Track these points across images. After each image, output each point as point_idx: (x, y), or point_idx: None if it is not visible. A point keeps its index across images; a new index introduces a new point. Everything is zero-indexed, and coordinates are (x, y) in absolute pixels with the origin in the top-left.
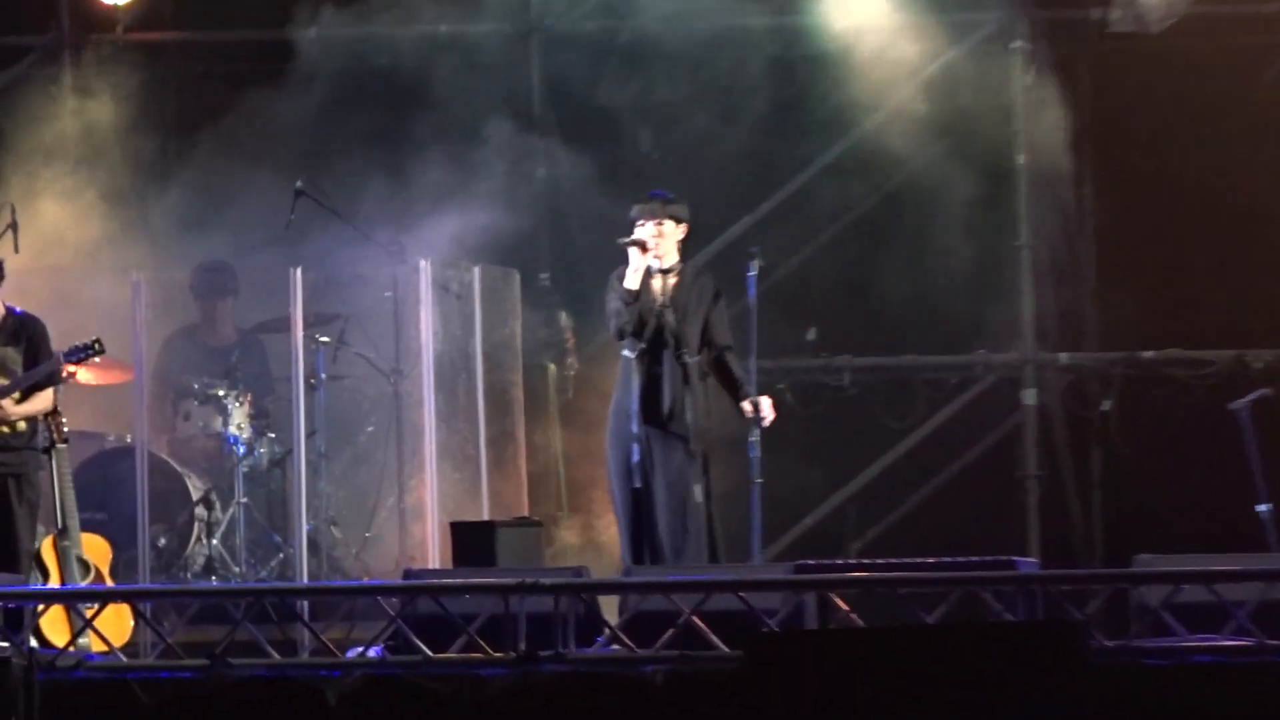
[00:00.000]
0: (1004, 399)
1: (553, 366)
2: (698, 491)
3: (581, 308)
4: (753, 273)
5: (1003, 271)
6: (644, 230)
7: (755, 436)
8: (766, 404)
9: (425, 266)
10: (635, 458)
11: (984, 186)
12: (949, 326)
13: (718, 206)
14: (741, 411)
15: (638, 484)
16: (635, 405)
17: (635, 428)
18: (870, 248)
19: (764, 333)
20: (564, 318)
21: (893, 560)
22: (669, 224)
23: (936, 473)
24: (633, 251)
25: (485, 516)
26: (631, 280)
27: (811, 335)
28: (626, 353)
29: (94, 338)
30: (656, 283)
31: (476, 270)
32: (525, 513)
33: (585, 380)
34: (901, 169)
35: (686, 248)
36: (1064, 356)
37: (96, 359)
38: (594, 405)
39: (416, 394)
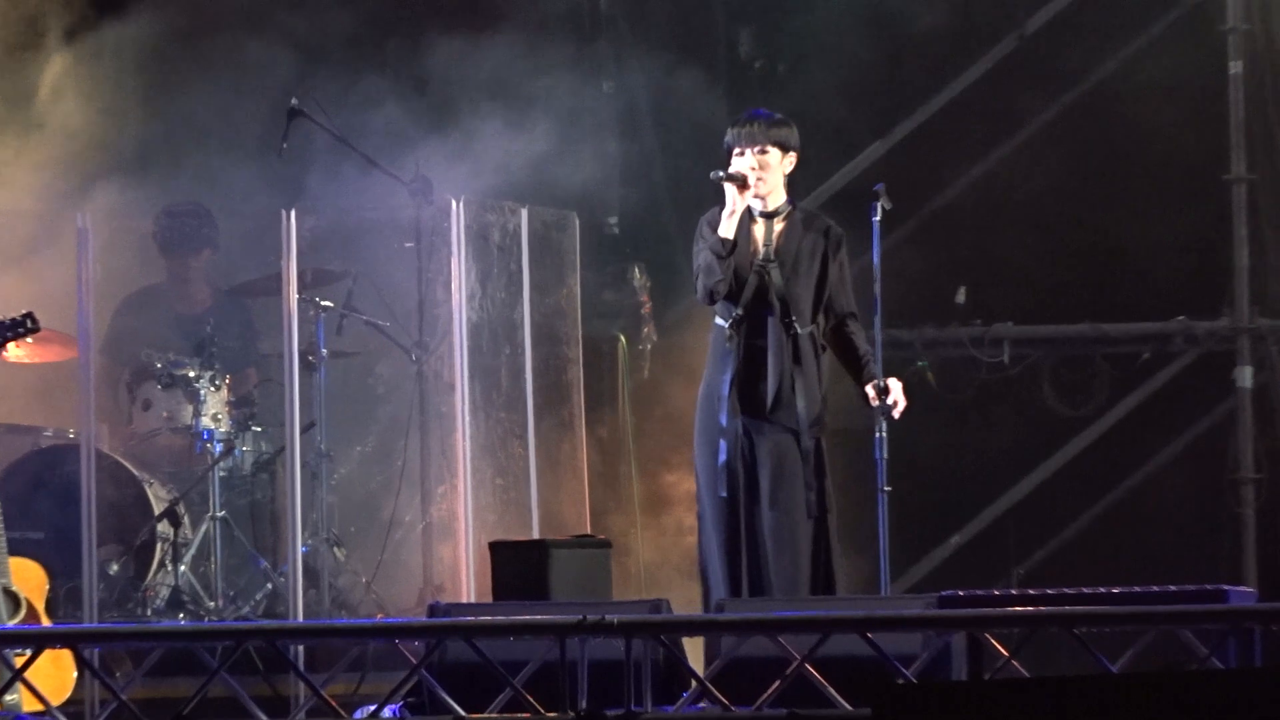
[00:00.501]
0: (1212, 380)
1: (623, 339)
2: (810, 502)
3: (661, 262)
4: (877, 217)
5: (1210, 214)
6: (742, 161)
7: (882, 431)
8: (896, 389)
9: (458, 209)
10: (723, 457)
11: (1187, 103)
12: (1140, 286)
13: (837, 131)
14: (865, 398)
15: (726, 493)
16: (727, 389)
17: (725, 419)
18: (1037, 184)
19: (894, 295)
20: (638, 275)
21: (1065, 590)
22: (774, 153)
23: (1123, 476)
24: (728, 189)
25: (535, 534)
26: (727, 227)
27: (960, 297)
28: (719, 321)
29: (24, 312)
30: (759, 230)
31: (524, 213)
32: (587, 529)
33: (666, 356)
34: (1079, 81)
35: (795, 185)
36: None
37: (29, 339)
38: (677, 389)
39: (446, 375)
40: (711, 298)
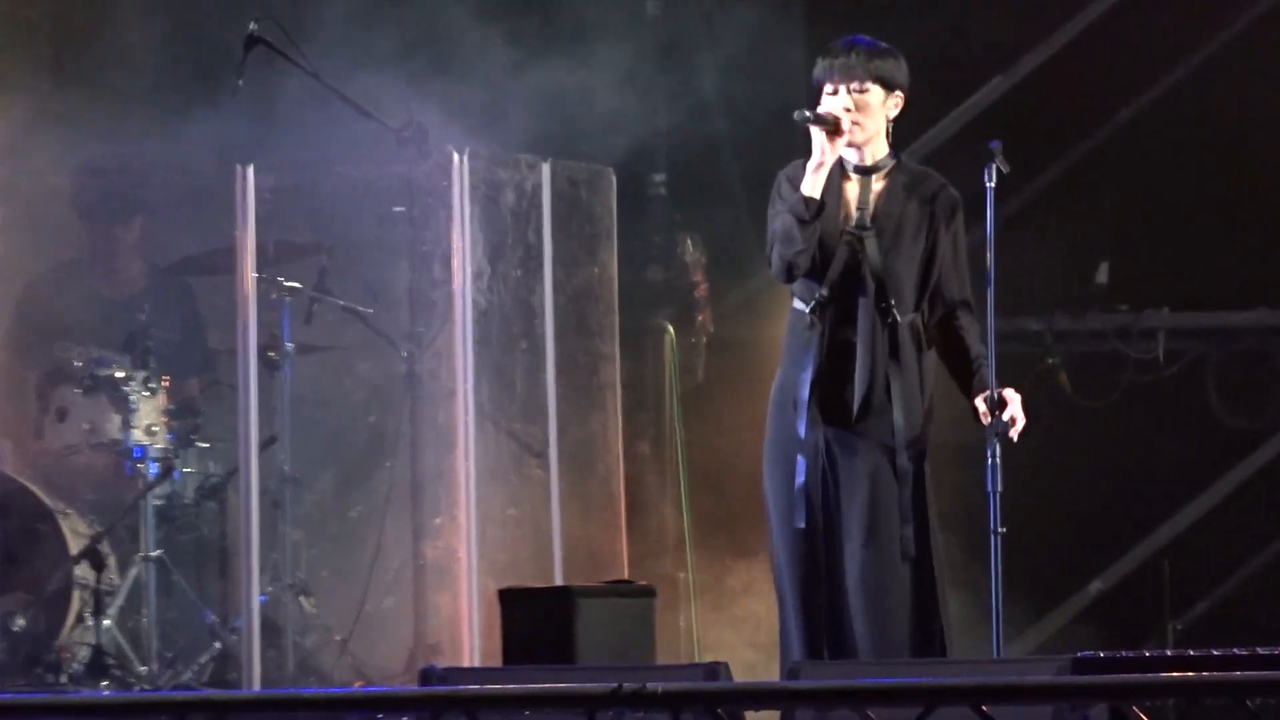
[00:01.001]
0: None
1: (671, 330)
2: (907, 540)
3: (720, 232)
4: (992, 182)
5: None
6: (835, 101)
7: (995, 457)
8: (1014, 403)
9: (461, 163)
10: (800, 478)
11: None
12: None
13: (952, 66)
14: (974, 413)
15: (804, 523)
16: (805, 391)
17: (805, 430)
18: (1203, 130)
19: (1015, 275)
20: (690, 247)
21: (1235, 651)
22: (876, 91)
23: None
24: (815, 135)
25: (558, 579)
26: (812, 183)
27: (1102, 277)
28: (798, 304)
29: None
30: (852, 189)
31: (546, 169)
32: (624, 572)
33: (726, 352)
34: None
35: (900, 134)
36: None
37: None
38: (741, 393)
39: (445, 376)
40: (790, 273)
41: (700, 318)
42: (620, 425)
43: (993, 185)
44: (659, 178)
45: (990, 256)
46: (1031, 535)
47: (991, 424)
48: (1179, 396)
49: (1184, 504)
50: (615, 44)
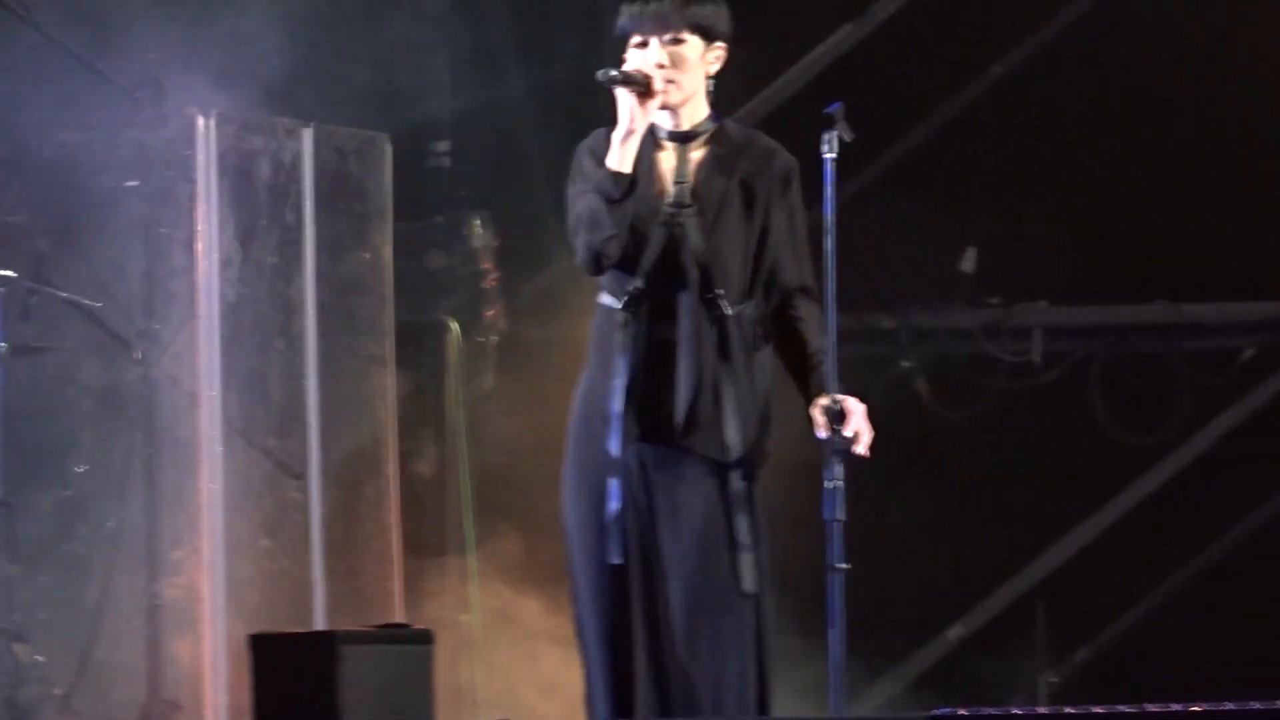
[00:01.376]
0: None
1: (456, 327)
2: (741, 573)
3: (515, 212)
4: (832, 152)
5: None
6: (644, 55)
7: (835, 479)
8: (856, 414)
9: (206, 128)
10: (613, 505)
11: None
12: (1242, 248)
13: (790, 13)
14: (811, 420)
15: (619, 558)
16: (618, 402)
17: (616, 448)
18: (1084, 95)
19: (865, 264)
20: (479, 231)
21: (1119, 709)
22: (694, 43)
23: (1209, 538)
24: (622, 98)
25: (319, 622)
26: (620, 155)
27: (968, 263)
28: (607, 300)
29: None
30: (667, 160)
31: (308, 135)
32: (398, 615)
33: (522, 353)
34: None
35: (724, 95)
36: None
37: None
38: (539, 402)
39: (187, 382)
40: (598, 263)
41: (490, 313)
42: (395, 441)
43: (833, 156)
44: (441, 147)
45: (829, 242)
46: (881, 572)
47: (830, 440)
48: (1058, 407)
49: (1062, 535)
50: None
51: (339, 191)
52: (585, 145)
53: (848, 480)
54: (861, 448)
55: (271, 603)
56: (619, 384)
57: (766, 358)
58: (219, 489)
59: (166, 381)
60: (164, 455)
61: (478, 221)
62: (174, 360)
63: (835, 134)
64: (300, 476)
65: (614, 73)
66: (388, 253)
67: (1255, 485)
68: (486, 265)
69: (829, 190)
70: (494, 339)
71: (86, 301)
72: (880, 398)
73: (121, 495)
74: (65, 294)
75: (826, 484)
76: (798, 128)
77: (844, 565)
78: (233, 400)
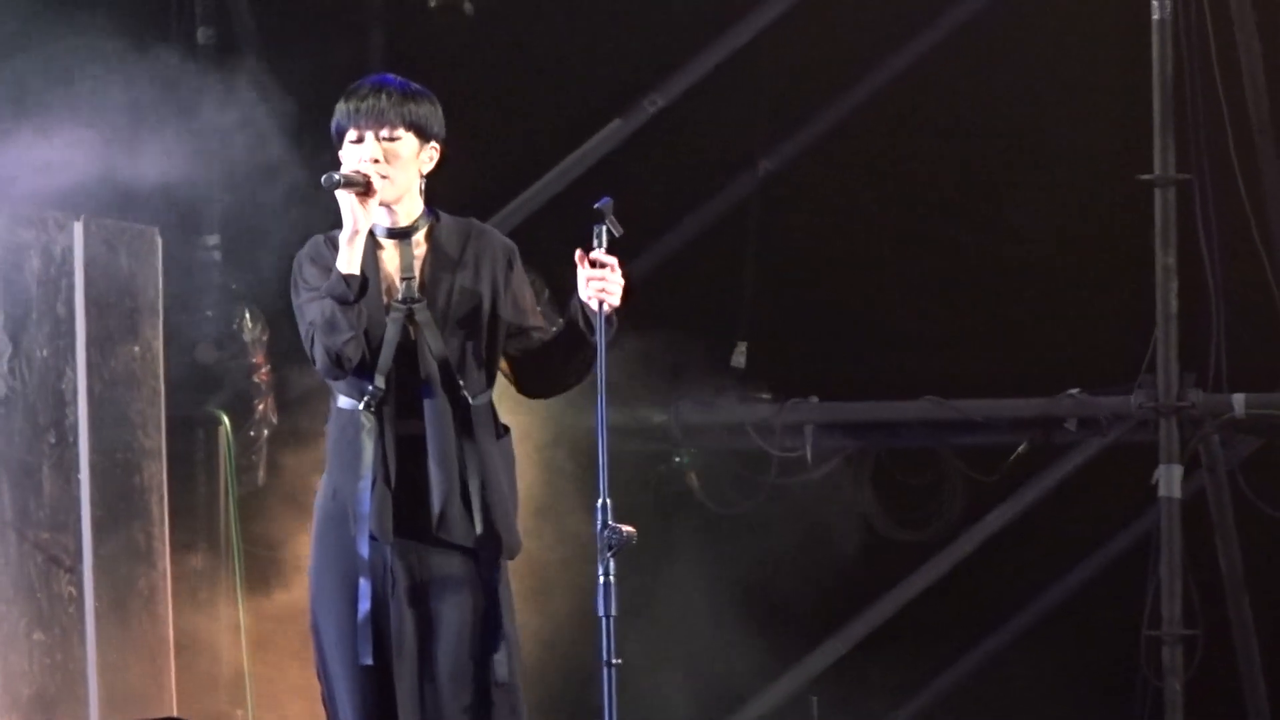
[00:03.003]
0: (1121, 485)
1: (227, 420)
2: (498, 665)
3: (285, 305)
4: (601, 245)
5: (1121, 242)
6: (358, 151)
7: (608, 573)
8: (607, 262)
9: None
10: (365, 605)
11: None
12: (1014, 343)
13: (559, 108)
14: (571, 323)
15: (371, 658)
16: (366, 502)
17: (367, 549)
18: (856, 186)
19: (633, 357)
20: (250, 324)
21: None
22: (408, 140)
23: (984, 631)
24: (345, 199)
25: (94, 716)
26: (348, 257)
27: (738, 359)
28: (345, 403)
29: None
30: (389, 257)
31: (78, 229)
32: (173, 711)
33: (294, 445)
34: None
35: (437, 196)
36: (1240, 401)
37: None
38: (310, 495)
39: None
40: (340, 366)
41: (261, 406)
42: (167, 534)
43: (602, 250)
44: (212, 241)
45: (600, 342)
46: (651, 668)
47: (601, 533)
48: (831, 504)
49: (836, 630)
50: (161, 82)
51: (109, 285)
52: (303, 254)
53: (619, 575)
54: (613, 290)
55: (46, 696)
56: (365, 484)
57: (509, 445)
58: None
59: None
60: None
61: (247, 314)
62: None
63: (605, 228)
64: (72, 570)
65: (336, 176)
66: (158, 346)
67: (1027, 580)
68: (257, 359)
69: (600, 332)
70: (265, 432)
71: None
72: (654, 491)
73: None
74: None
75: (600, 579)
76: (568, 223)
77: (617, 661)
78: (4, 493)
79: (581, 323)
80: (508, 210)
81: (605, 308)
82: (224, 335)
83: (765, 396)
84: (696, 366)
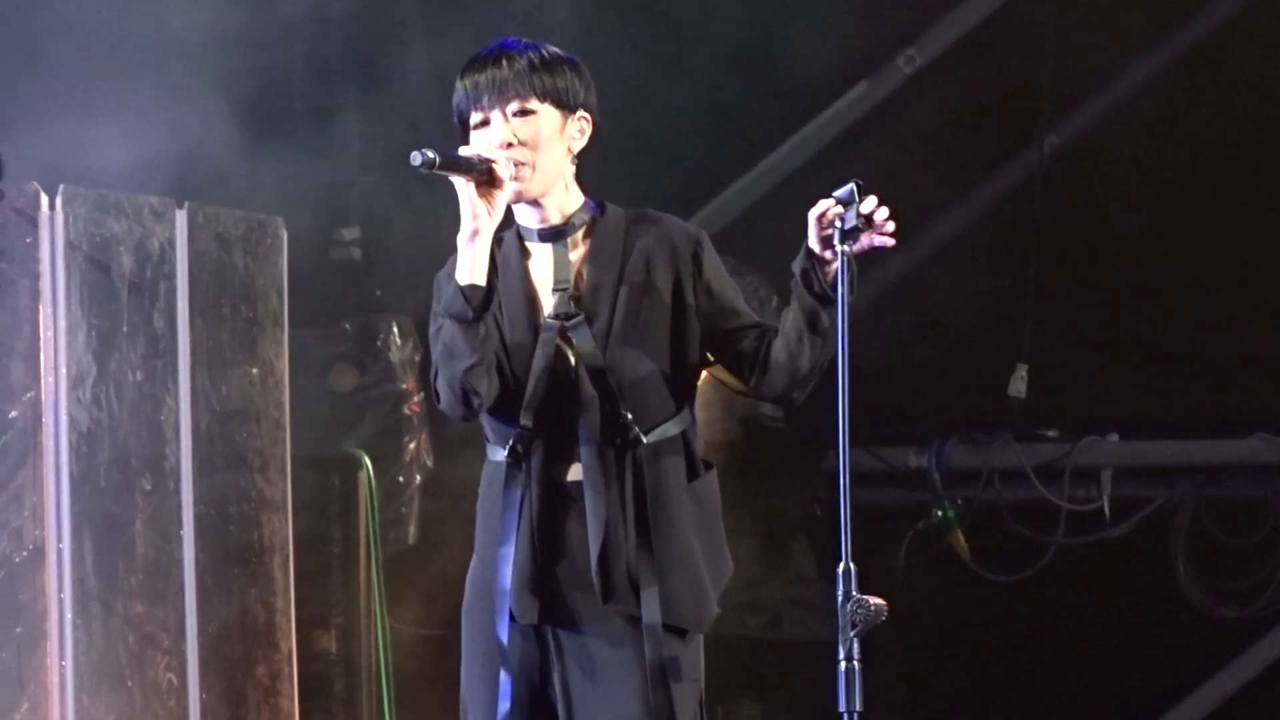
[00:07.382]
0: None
1: (369, 463)
2: None
3: None
4: (846, 225)
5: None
6: (486, 137)
7: (849, 656)
8: (867, 204)
9: (53, 209)
10: (505, 704)
11: None
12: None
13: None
14: (807, 274)
15: None
16: (507, 576)
17: (505, 633)
18: (1169, 171)
19: (880, 384)
20: (397, 337)
21: None
22: (547, 114)
23: None
24: (462, 189)
25: None
26: (470, 264)
27: (1017, 386)
28: (491, 451)
29: None
30: (537, 264)
31: (181, 218)
32: None
33: (451, 495)
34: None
35: (590, 177)
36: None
37: None
38: (463, 556)
39: (29, 532)
40: (467, 403)
41: (412, 445)
42: (293, 607)
43: (845, 248)
44: (349, 234)
45: (843, 347)
46: None
47: (845, 609)
48: (1131, 567)
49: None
50: (279, 42)
51: (222, 290)
52: (443, 272)
53: (864, 659)
54: (879, 228)
55: None
56: (508, 553)
57: (710, 487)
58: (69, 668)
59: (3, 533)
60: (8, 615)
61: (395, 327)
62: (11, 505)
63: (853, 209)
64: (173, 652)
65: (431, 154)
66: (283, 367)
67: None
68: (407, 385)
69: (842, 290)
70: (417, 478)
71: None
72: (906, 555)
73: None
74: None
75: (840, 663)
76: (799, 209)
77: None
78: (87, 555)
79: (807, 289)
80: (727, 195)
81: (868, 248)
82: (365, 355)
83: (1051, 434)
84: (963, 395)
